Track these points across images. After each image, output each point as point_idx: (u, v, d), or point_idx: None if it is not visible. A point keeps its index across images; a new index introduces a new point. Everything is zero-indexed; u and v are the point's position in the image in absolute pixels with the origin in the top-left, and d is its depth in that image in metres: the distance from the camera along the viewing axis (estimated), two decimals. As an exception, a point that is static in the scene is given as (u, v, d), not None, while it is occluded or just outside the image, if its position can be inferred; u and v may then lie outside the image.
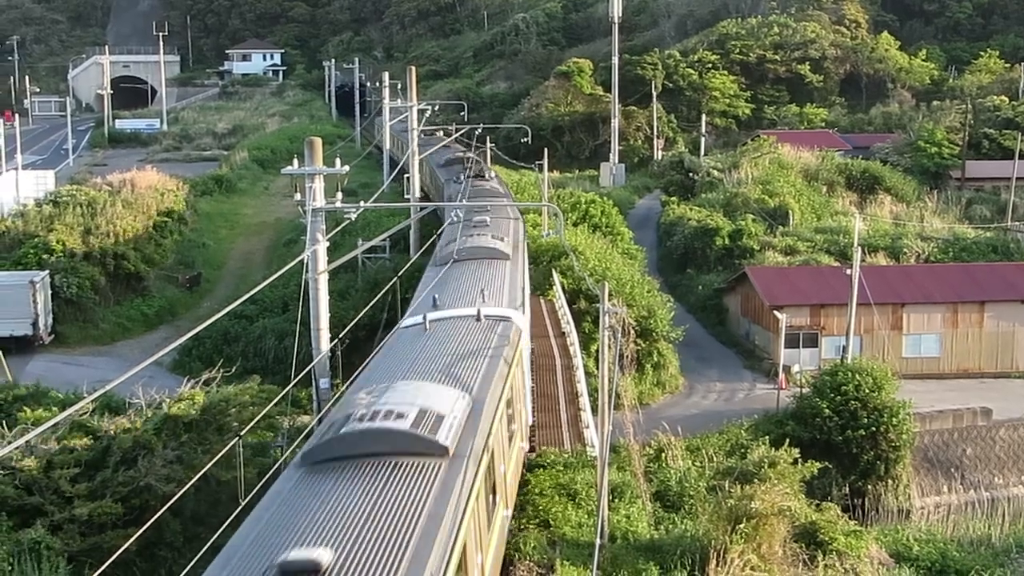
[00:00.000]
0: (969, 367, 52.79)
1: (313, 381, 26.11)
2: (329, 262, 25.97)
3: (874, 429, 39.69)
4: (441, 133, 74.84)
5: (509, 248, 28.39)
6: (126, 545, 18.50)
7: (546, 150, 69.36)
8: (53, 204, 63.69)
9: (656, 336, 47.43)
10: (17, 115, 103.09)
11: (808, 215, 72.91)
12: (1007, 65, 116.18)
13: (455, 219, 34.53)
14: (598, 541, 18.46)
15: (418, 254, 44.38)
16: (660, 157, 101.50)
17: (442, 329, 19.18)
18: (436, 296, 21.80)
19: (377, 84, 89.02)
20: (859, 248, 49.77)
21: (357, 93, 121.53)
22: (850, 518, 32.00)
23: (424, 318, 19.65)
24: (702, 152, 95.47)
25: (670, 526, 27.46)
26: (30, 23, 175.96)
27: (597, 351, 27.42)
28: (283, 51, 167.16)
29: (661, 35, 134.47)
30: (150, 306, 59.25)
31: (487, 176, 54.39)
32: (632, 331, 45.00)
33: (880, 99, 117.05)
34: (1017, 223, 74.03)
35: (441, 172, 59.78)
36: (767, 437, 36.64)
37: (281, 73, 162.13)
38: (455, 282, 24.32)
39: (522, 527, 22.24)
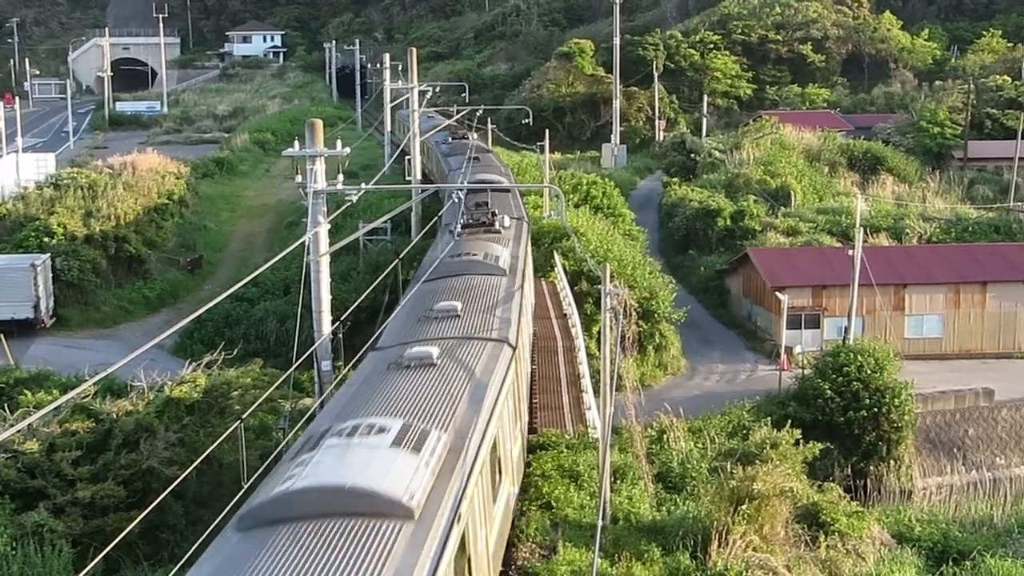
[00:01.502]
0: (971, 348, 52.77)
1: (315, 364, 26.04)
2: (330, 244, 25.89)
3: (876, 410, 39.70)
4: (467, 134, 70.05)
5: (422, 484, 11.99)
6: (129, 528, 18.48)
7: (547, 131, 69.25)
8: (54, 187, 63.46)
9: (658, 317, 47.47)
10: (17, 98, 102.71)
11: (810, 196, 72.76)
12: (1010, 45, 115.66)
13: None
14: (600, 523, 18.45)
15: (419, 236, 44.28)
16: (662, 138, 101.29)
17: None
18: None
19: (378, 66, 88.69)
20: (861, 229, 49.65)
21: (358, 75, 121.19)
22: (852, 499, 32.14)
23: None
24: (704, 133, 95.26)
25: (672, 507, 27.49)
26: (30, 5, 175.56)
27: (599, 333, 27.37)
28: (284, 33, 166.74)
29: (663, 15, 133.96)
30: (151, 289, 59.15)
31: (498, 222, 30.53)
32: (634, 313, 45.01)
33: (882, 79, 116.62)
34: (1019, 203, 73.76)
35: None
36: (769, 418, 36.76)
37: (282, 55, 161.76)
38: None
39: (524, 509, 22.26)
